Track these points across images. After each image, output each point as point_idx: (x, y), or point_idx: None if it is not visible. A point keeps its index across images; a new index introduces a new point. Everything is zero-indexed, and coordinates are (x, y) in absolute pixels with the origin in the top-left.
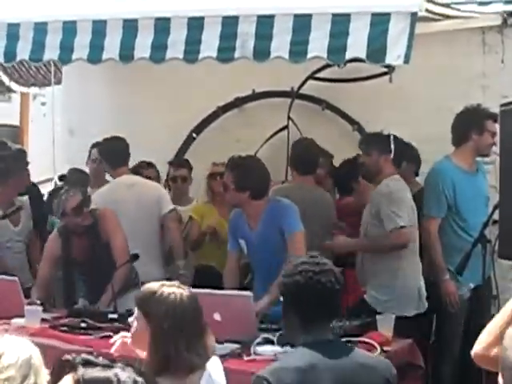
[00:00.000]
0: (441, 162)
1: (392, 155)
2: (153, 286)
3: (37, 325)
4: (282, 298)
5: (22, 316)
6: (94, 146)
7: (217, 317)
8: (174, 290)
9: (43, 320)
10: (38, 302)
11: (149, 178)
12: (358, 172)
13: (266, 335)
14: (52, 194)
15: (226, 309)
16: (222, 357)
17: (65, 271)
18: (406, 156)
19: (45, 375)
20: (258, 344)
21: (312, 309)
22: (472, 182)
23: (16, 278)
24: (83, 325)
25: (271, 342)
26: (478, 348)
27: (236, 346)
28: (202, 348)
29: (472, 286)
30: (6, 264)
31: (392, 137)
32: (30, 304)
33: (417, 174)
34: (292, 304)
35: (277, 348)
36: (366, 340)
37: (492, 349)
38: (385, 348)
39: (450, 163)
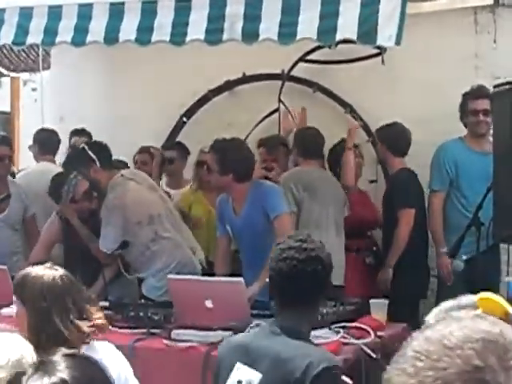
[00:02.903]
0: (451, 140)
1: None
2: (26, 270)
3: None
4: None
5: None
6: (73, 133)
7: (209, 304)
8: (46, 271)
9: None
10: None
11: (136, 162)
12: (340, 157)
13: (258, 321)
14: (55, 179)
15: (217, 296)
16: (215, 344)
17: (66, 256)
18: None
19: None
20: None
21: (291, 294)
22: (480, 162)
23: (5, 267)
24: None
25: None
26: None
27: (228, 333)
28: (74, 326)
29: (464, 257)
30: None
31: (86, 146)
32: None
33: (399, 154)
34: (275, 288)
35: None
36: (360, 325)
37: None
38: (379, 333)
39: (460, 142)
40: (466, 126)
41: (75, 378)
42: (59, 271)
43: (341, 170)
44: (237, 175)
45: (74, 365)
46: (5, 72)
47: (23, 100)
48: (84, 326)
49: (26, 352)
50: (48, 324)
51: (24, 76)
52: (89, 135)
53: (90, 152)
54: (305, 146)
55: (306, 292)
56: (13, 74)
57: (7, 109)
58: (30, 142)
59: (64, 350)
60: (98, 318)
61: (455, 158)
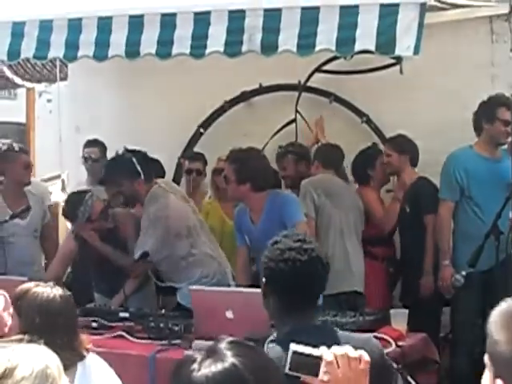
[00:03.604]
0: (460, 148)
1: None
2: (27, 285)
3: None
4: (263, 280)
5: None
6: (85, 145)
7: (229, 315)
8: (47, 289)
9: None
10: None
11: None
12: (374, 160)
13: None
14: (71, 199)
15: (238, 306)
16: None
17: (83, 271)
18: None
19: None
20: (271, 342)
21: (295, 296)
22: (492, 169)
23: (25, 278)
24: (94, 324)
25: None
26: None
27: (249, 343)
28: (75, 345)
29: (464, 273)
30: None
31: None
32: None
33: (415, 165)
34: (274, 290)
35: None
36: (381, 335)
37: None
38: (399, 343)
39: (470, 150)
40: (480, 130)
41: (244, 364)
42: (59, 291)
43: (372, 171)
44: (254, 185)
45: (242, 352)
46: (20, 82)
47: (38, 111)
48: (65, 351)
49: (51, 363)
50: (36, 341)
51: (39, 87)
52: (102, 145)
53: (137, 166)
54: (326, 156)
55: (307, 292)
56: (28, 84)
57: (23, 120)
58: (46, 153)
59: (229, 338)
60: (82, 344)
61: (465, 166)
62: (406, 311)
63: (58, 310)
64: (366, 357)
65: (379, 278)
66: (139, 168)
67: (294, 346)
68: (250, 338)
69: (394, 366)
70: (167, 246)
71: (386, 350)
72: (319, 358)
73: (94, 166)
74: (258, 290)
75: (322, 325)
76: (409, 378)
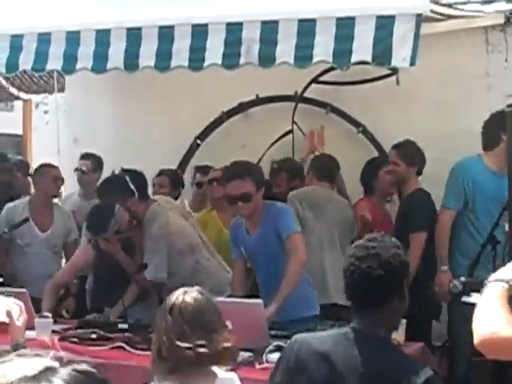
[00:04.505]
0: (470, 158)
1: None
2: (178, 291)
3: (47, 337)
4: None
5: (32, 328)
6: (80, 157)
7: (228, 325)
8: (185, 295)
9: (53, 332)
10: (50, 314)
11: (154, 185)
12: (377, 170)
13: (277, 343)
14: (99, 211)
15: (237, 317)
16: (235, 365)
17: (95, 283)
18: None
19: None
20: (270, 352)
21: (354, 295)
22: (498, 184)
23: (25, 290)
24: (93, 336)
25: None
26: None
27: (248, 354)
28: (214, 345)
29: (463, 279)
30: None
31: (128, 178)
32: (40, 316)
33: (420, 173)
34: (348, 293)
35: None
36: None
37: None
38: None
39: (479, 161)
40: (497, 142)
41: None
42: (193, 294)
43: (375, 181)
44: (264, 191)
45: (75, 380)
46: (15, 92)
47: (35, 122)
48: (203, 351)
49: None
50: (170, 346)
51: (36, 98)
52: (97, 159)
53: (131, 185)
54: (320, 167)
55: (375, 296)
56: (24, 96)
57: (19, 131)
58: None
59: (82, 366)
60: (225, 344)
61: (474, 177)
62: (404, 321)
63: (198, 313)
64: None
65: None
66: (133, 187)
67: None
68: (249, 348)
69: None
70: (172, 263)
71: None
72: None
73: (83, 178)
74: (257, 301)
75: (376, 335)
76: None
